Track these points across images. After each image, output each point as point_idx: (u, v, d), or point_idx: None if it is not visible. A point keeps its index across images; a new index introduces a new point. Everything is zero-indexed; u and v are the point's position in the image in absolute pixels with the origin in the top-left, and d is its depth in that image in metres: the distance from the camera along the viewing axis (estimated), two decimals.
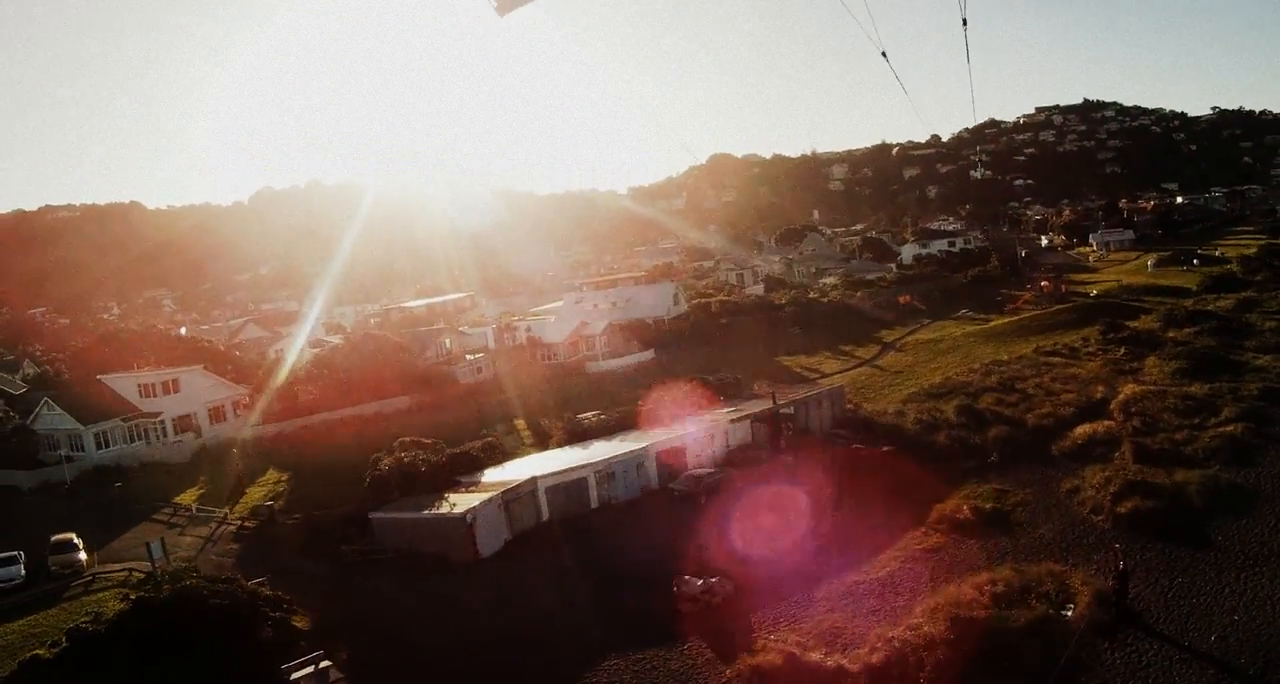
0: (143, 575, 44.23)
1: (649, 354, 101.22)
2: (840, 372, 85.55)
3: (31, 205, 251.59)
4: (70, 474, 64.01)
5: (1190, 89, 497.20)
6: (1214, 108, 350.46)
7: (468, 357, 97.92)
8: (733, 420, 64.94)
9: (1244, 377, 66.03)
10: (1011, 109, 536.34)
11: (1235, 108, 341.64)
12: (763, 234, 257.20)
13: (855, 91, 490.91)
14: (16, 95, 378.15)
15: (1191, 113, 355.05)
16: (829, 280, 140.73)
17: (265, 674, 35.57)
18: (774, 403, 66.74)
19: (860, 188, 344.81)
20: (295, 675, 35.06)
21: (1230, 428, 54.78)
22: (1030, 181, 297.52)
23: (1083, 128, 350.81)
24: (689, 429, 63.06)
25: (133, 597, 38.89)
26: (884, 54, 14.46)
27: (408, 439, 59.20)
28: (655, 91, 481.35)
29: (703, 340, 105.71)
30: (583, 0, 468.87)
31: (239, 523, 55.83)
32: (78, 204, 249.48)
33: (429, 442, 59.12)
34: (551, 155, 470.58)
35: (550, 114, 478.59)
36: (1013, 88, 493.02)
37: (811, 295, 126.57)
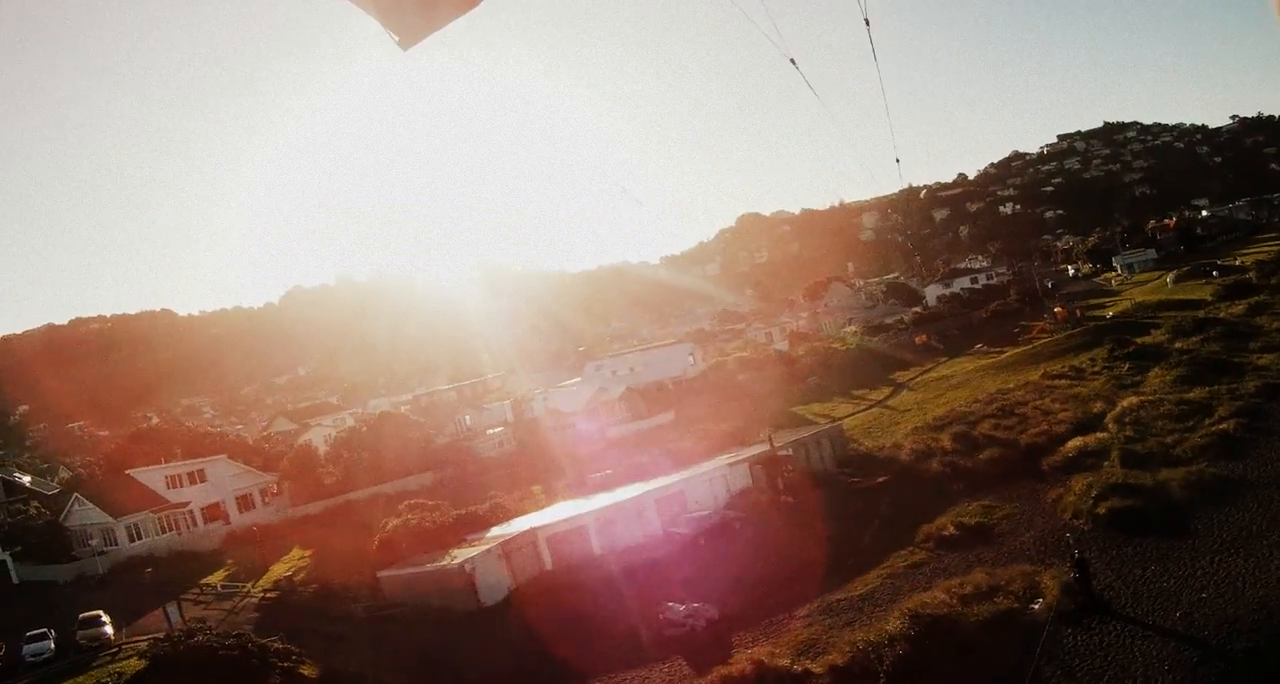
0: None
1: (669, 415, 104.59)
2: (850, 414, 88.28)
3: (62, 319, 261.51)
4: (103, 566, 68.53)
5: (1208, 99, 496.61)
6: (1233, 116, 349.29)
7: (488, 432, 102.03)
8: (731, 465, 68.11)
9: (1245, 377, 67.01)
10: (1034, 139, 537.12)
11: (1254, 114, 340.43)
12: (795, 292, 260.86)
13: (878, 138, 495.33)
14: (39, 212, 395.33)
15: (1212, 124, 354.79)
16: (850, 329, 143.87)
17: None
18: (770, 445, 69.91)
19: (891, 234, 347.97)
20: None
21: (1224, 425, 56.22)
22: (1061, 212, 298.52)
23: (1106, 151, 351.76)
24: (688, 475, 66.42)
25: (150, 654, 42.90)
26: (792, 61, 15.70)
27: (415, 502, 62.97)
28: (679, 157, 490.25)
29: (722, 397, 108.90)
30: (596, 74, 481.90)
31: (261, 595, 59.85)
32: (109, 315, 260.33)
33: (433, 504, 62.81)
34: (581, 233, 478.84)
35: (578, 191, 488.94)
36: (1032, 118, 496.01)
37: (832, 345, 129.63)
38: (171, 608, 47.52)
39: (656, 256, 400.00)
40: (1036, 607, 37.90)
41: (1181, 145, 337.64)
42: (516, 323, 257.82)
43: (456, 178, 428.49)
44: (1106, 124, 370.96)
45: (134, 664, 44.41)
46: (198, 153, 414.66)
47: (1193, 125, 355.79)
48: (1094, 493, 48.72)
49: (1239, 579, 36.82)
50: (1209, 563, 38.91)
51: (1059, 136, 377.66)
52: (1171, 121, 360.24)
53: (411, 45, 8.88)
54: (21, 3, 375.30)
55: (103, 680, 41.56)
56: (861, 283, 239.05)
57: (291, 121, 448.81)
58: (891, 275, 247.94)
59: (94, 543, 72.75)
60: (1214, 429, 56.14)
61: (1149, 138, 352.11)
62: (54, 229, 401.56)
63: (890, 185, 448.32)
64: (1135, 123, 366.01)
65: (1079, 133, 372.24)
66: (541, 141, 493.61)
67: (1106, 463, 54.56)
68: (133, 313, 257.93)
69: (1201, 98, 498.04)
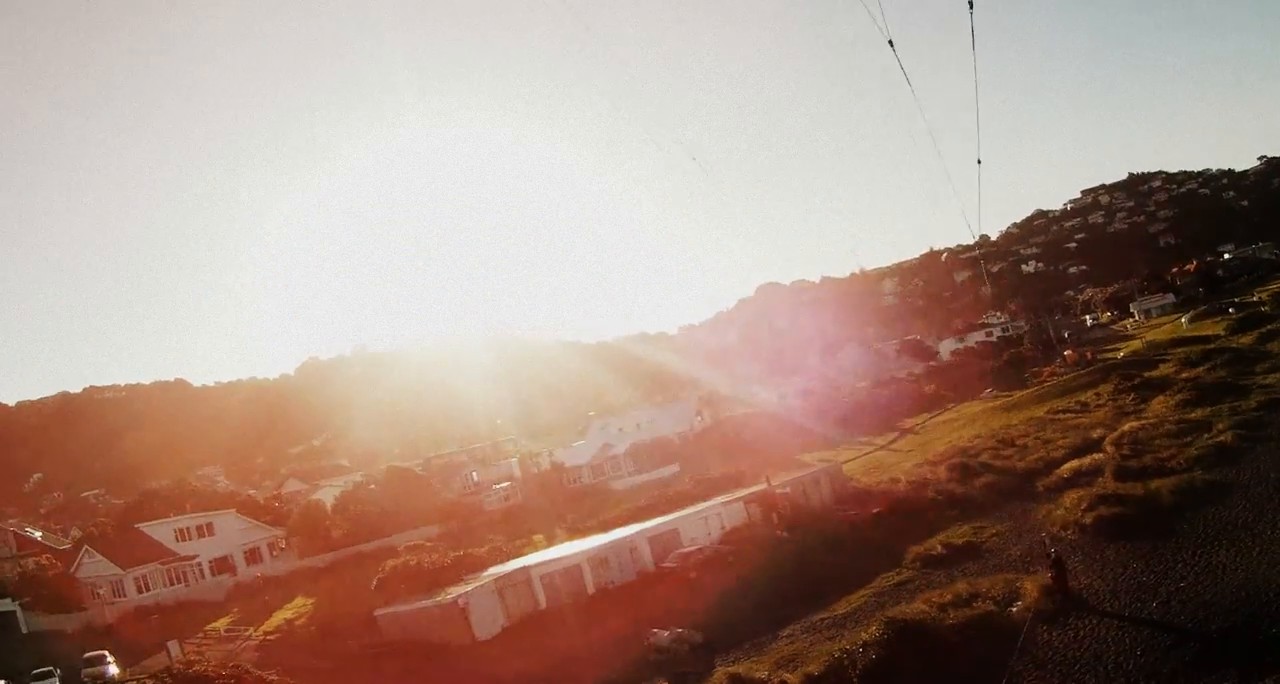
0: None
1: (674, 468, 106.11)
2: (854, 458, 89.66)
3: (76, 387, 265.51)
4: (112, 615, 70.21)
5: (1234, 142, 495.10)
6: (1261, 157, 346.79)
7: (494, 487, 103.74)
8: (726, 503, 69.55)
9: (1249, 396, 68.18)
10: (1057, 196, 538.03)
11: None
12: (811, 357, 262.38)
13: (899, 202, 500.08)
14: (55, 279, 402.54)
15: (1239, 166, 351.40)
16: (861, 385, 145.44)
17: None
18: (768, 484, 71.44)
19: (913, 299, 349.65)
20: None
21: (1221, 437, 57.59)
22: (1084, 267, 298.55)
23: (1131, 204, 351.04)
24: (683, 514, 67.90)
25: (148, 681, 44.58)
26: (890, 43, 15.05)
27: (414, 545, 64.58)
28: (699, 227, 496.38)
29: (727, 450, 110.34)
30: (619, 144, 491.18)
31: (262, 637, 61.41)
32: (122, 384, 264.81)
33: (431, 545, 64.42)
34: (600, 303, 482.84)
35: (599, 262, 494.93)
36: (1055, 174, 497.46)
37: (838, 399, 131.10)
38: (172, 643, 49.06)
39: (674, 327, 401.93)
40: (1014, 609, 39.08)
41: (1207, 191, 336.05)
42: (531, 392, 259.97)
43: (474, 248, 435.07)
44: (1131, 175, 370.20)
45: None
46: (214, 225, 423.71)
47: (1219, 170, 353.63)
48: (1084, 505, 49.70)
49: (1219, 567, 37.85)
50: (1190, 556, 39.90)
51: (1083, 191, 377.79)
52: (1197, 167, 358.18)
53: None
54: (41, 66, 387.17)
55: None
56: (877, 345, 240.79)
57: (309, 194, 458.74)
58: (910, 338, 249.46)
59: (102, 593, 74.47)
60: (1211, 442, 57.41)
61: (1174, 186, 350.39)
62: (70, 296, 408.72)
63: (912, 249, 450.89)
64: (1160, 172, 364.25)
65: (1103, 186, 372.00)
66: (562, 212, 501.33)
67: (1100, 479, 55.47)
68: (147, 382, 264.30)
69: (1227, 141, 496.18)
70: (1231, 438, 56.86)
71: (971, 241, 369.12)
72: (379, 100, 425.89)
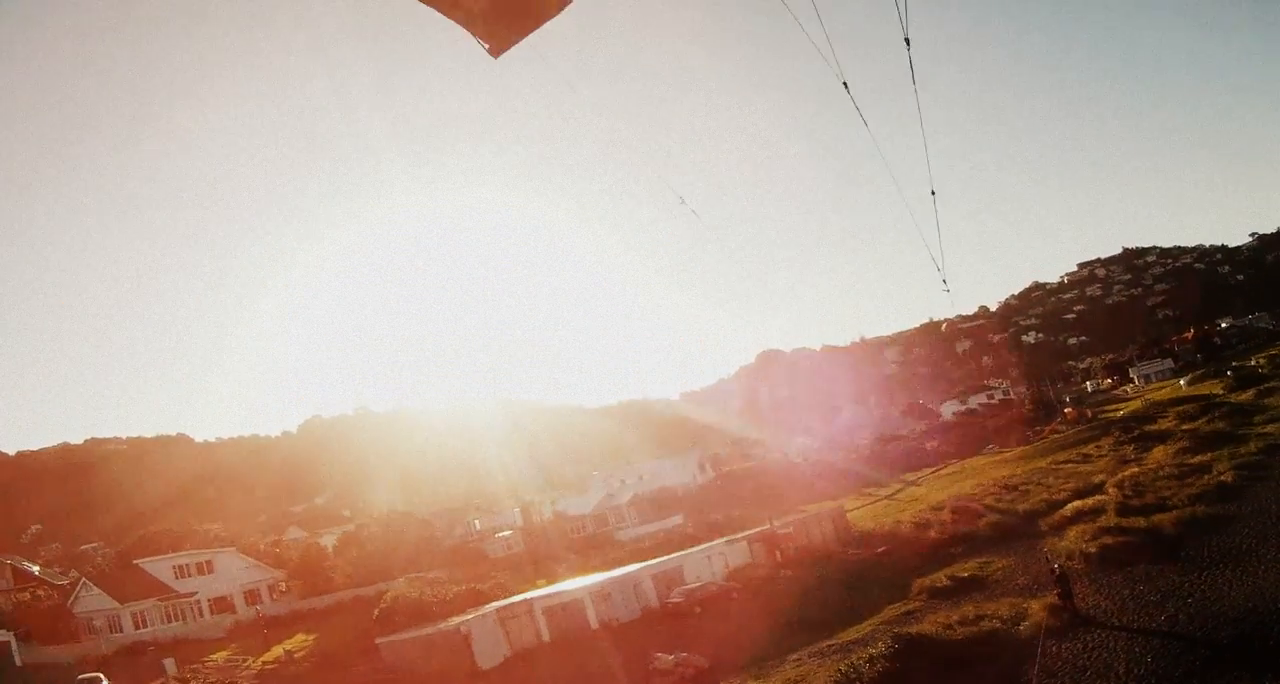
0: None
1: (677, 519, 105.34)
2: (858, 507, 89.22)
3: (77, 438, 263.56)
4: (108, 647, 69.36)
5: (1227, 219, 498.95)
6: (1253, 233, 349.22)
7: (496, 535, 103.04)
8: (729, 542, 69.21)
9: (1247, 443, 68.02)
10: (1054, 269, 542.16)
11: (1275, 230, 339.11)
12: (812, 421, 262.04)
13: (901, 273, 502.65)
14: (60, 330, 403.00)
15: (1232, 242, 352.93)
16: (863, 442, 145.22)
17: None
18: (771, 524, 71.17)
19: (915, 366, 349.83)
20: None
21: (1222, 477, 57.77)
22: (1084, 338, 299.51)
23: (1127, 277, 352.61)
24: (686, 552, 67.50)
25: None
26: (845, 85, 14.65)
27: (416, 575, 64.07)
28: (701, 295, 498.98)
29: (730, 502, 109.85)
30: (621, 212, 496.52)
31: (260, 665, 60.64)
32: (124, 437, 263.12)
33: (433, 577, 63.90)
34: (602, 369, 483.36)
35: (599, 330, 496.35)
36: (1052, 248, 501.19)
37: (840, 454, 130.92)
38: (169, 661, 48.50)
39: (676, 393, 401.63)
40: (1022, 627, 38.85)
41: (1202, 266, 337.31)
42: (534, 453, 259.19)
43: (478, 311, 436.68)
44: (1125, 250, 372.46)
45: None
46: (222, 283, 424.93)
47: (1212, 246, 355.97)
48: (1088, 536, 49.98)
49: (1225, 585, 38.01)
50: (1196, 577, 40.02)
51: (1079, 264, 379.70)
52: (1191, 243, 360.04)
53: (502, 52, 8.93)
54: (48, 129, 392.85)
55: None
56: (878, 410, 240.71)
57: (316, 255, 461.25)
58: (913, 401, 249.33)
59: (99, 625, 73.63)
60: (1212, 481, 57.58)
61: (1169, 261, 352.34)
62: (75, 348, 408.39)
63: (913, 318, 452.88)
64: (1154, 247, 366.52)
65: (1098, 260, 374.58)
66: (566, 278, 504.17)
67: (1103, 517, 55.36)
68: (149, 436, 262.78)
69: (1220, 217, 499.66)
70: (1232, 477, 57.14)
71: (971, 313, 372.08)
72: (385, 165, 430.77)
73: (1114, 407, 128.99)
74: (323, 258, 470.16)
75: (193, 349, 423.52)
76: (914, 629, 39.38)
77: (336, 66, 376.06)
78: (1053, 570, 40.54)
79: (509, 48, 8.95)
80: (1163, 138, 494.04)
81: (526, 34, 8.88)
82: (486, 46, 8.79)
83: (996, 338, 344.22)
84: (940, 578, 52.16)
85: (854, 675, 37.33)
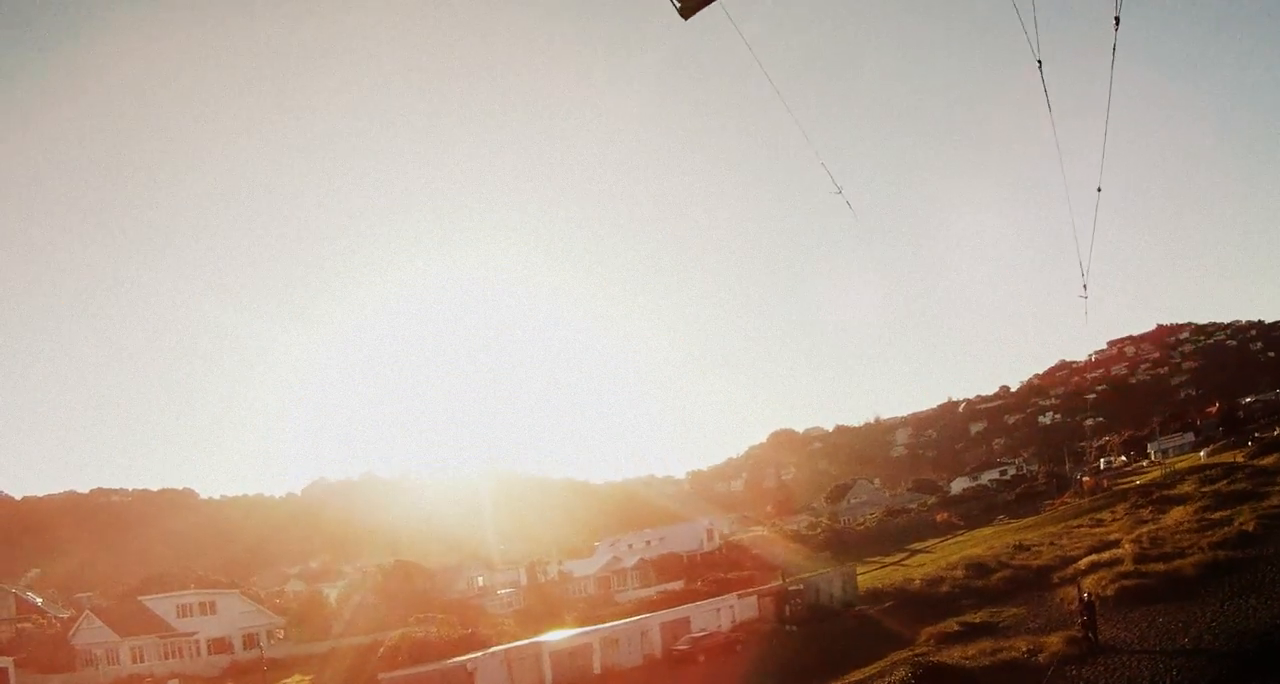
0: None
1: (679, 584, 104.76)
2: (866, 572, 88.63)
3: (84, 487, 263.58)
4: (104, 679, 69.13)
5: (1267, 292, 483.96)
6: None
7: (499, 592, 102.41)
8: (740, 596, 68.92)
9: (1270, 498, 68.00)
10: (1084, 346, 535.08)
11: None
12: (818, 501, 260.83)
13: (922, 350, 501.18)
14: (74, 380, 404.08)
15: (1269, 317, 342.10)
16: (871, 514, 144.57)
17: None
18: (783, 580, 70.97)
19: (924, 450, 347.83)
20: None
21: (1244, 526, 57.58)
22: (1100, 419, 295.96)
23: (1156, 355, 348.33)
24: (695, 605, 67.24)
25: None
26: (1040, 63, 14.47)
27: (424, 615, 63.90)
28: (715, 373, 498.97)
29: (735, 569, 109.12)
30: (635, 287, 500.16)
31: None
32: (130, 489, 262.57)
33: (441, 617, 63.73)
34: (606, 446, 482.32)
35: (606, 405, 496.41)
36: (1083, 325, 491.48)
37: (852, 525, 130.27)
38: (173, 682, 48.36)
39: (683, 471, 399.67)
40: (1040, 657, 38.66)
41: (1234, 343, 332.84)
42: (538, 527, 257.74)
43: (487, 383, 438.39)
44: (1159, 326, 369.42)
45: None
46: (231, 341, 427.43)
47: (1248, 322, 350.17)
48: (1106, 580, 49.87)
49: (1249, 610, 38.51)
50: (1220, 607, 40.33)
51: (1109, 342, 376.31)
52: (1229, 318, 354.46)
53: (693, 13, 9.10)
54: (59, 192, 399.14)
55: None
56: (886, 494, 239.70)
57: (326, 320, 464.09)
58: (922, 478, 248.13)
59: (97, 657, 73.33)
60: (1233, 531, 57.42)
61: (1202, 338, 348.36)
62: (88, 398, 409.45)
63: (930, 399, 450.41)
64: (1189, 323, 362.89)
65: (1129, 337, 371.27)
66: (579, 354, 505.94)
67: (1120, 567, 54.64)
68: (155, 489, 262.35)
69: (1262, 291, 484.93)
70: (1255, 526, 57.05)
71: (991, 393, 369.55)
72: (396, 231, 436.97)
73: (1130, 479, 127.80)
74: (340, 323, 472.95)
75: (205, 407, 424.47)
76: (934, 657, 39.30)
77: (364, 129, 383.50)
78: (1081, 599, 40.57)
79: (700, 8, 9.13)
80: (1211, 205, 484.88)
81: None
82: (678, 5, 9.01)
83: (1012, 419, 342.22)
84: (950, 625, 51.80)
85: None
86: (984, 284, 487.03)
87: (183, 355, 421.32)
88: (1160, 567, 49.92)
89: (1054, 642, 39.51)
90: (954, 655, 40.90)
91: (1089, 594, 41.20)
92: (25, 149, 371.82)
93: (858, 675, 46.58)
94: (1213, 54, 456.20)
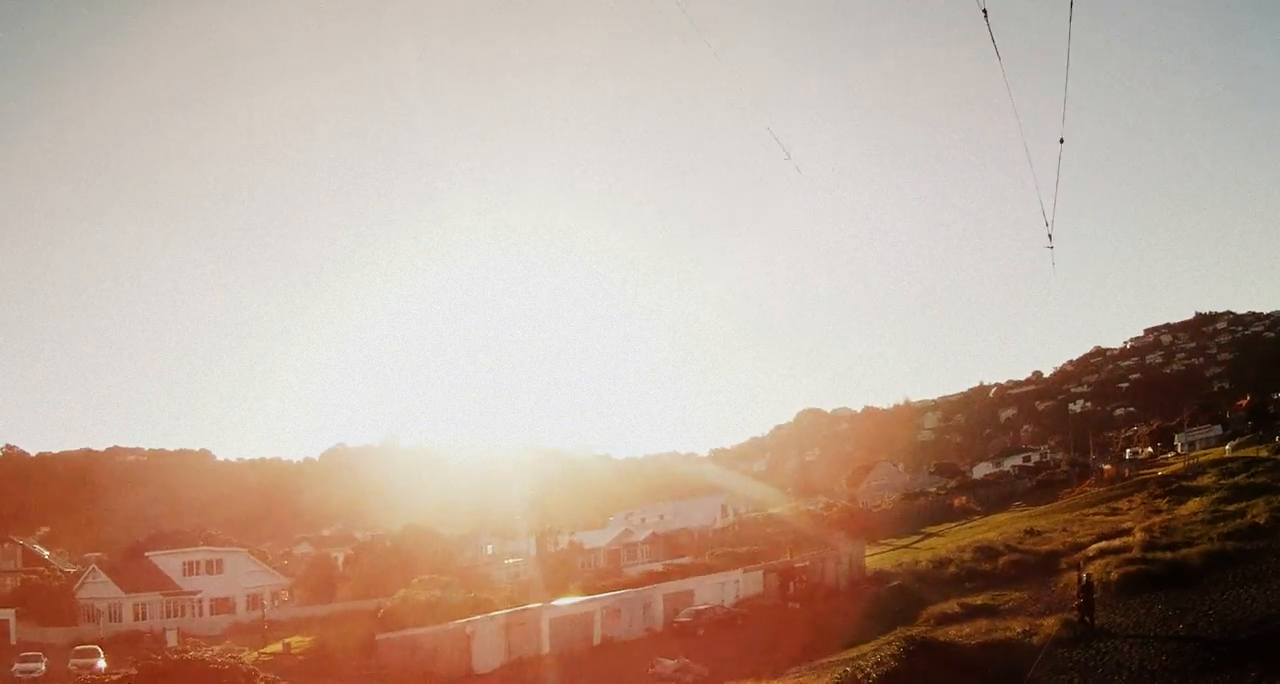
0: None
1: (689, 558, 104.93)
2: (876, 554, 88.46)
3: (99, 445, 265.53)
4: (105, 632, 70.09)
5: None
6: None
7: (508, 561, 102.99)
8: (745, 571, 68.99)
9: None
10: (1121, 332, 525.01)
11: None
12: (840, 483, 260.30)
13: (952, 334, 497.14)
14: (93, 338, 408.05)
15: None
16: (889, 497, 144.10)
17: None
18: (790, 557, 70.98)
19: (951, 435, 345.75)
20: None
21: (1256, 519, 57.29)
22: (1131, 409, 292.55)
23: (1192, 345, 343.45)
24: (700, 578, 67.35)
25: (140, 664, 44.37)
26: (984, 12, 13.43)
27: (426, 577, 64.29)
28: (744, 350, 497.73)
29: (748, 546, 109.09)
30: (666, 267, 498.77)
31: (257, 655, 60.84)
32: (146, 448, 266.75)
33: (445, 580, 64.11)
34: (631, 421, 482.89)
35: (632, 379, 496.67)
36: (1119, 311, 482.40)
37: (869, 507, 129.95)
38: (171, 632, 49.02)
39: (706, 449, 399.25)
40: (1034, 639, 38.47)
41: (1272, 335, 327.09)
42: (558, 497, 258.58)
43: (512, 355, 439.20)
44: (1198, 314, 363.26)
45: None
46: (255, 303, 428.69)
47: None
48: (1111, 565, 49.72)
49: (1247, 600, 38.27)
50: (1218, 596, 40.12)
51: (1146, 329, 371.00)
52: (1269, 309, 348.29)
53: None
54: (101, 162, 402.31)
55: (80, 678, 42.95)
56: (907, 477, 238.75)
57: (352, 286, 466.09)
58: (944, 462, 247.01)
59: (100, 611, 74.38)
60: (1244, 522, 57.20)
61: (1239, 328, 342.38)
62: (105, 356, 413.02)
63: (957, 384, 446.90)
64: (1228, 312, 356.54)
65: (1167, 325, 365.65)
66: (606, 328, 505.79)
67: (1127, 554, 54.40)
68: (171, 450, 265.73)
69: None
70: (1266, 519, 56.63)
71: (1023, 378, 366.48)
72: (431, 204, 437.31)
73: (1153, 470, 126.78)
74: (365, 289, 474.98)
75: (227, 368, 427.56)
76: (924, 632, 39.19)
77: (401, 92, 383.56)
78: (1079, 579, 40.28)
79: None
80: (1254, 194, 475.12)
81: None
82: None
83: (1043, 406, 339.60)
84: (951, 605, 51.56)
85: (859, 675, 37.12)
86: (1024, 266, 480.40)
87: (209, 315, 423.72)
88: (1167, 555, 49.58)
89: (1050, 624, 39.31)
90: (949, 634, 40.59)
91: (1087, 576, 40.80)
92: (60, 104, 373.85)
93: (853, 652, 46.61)
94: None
